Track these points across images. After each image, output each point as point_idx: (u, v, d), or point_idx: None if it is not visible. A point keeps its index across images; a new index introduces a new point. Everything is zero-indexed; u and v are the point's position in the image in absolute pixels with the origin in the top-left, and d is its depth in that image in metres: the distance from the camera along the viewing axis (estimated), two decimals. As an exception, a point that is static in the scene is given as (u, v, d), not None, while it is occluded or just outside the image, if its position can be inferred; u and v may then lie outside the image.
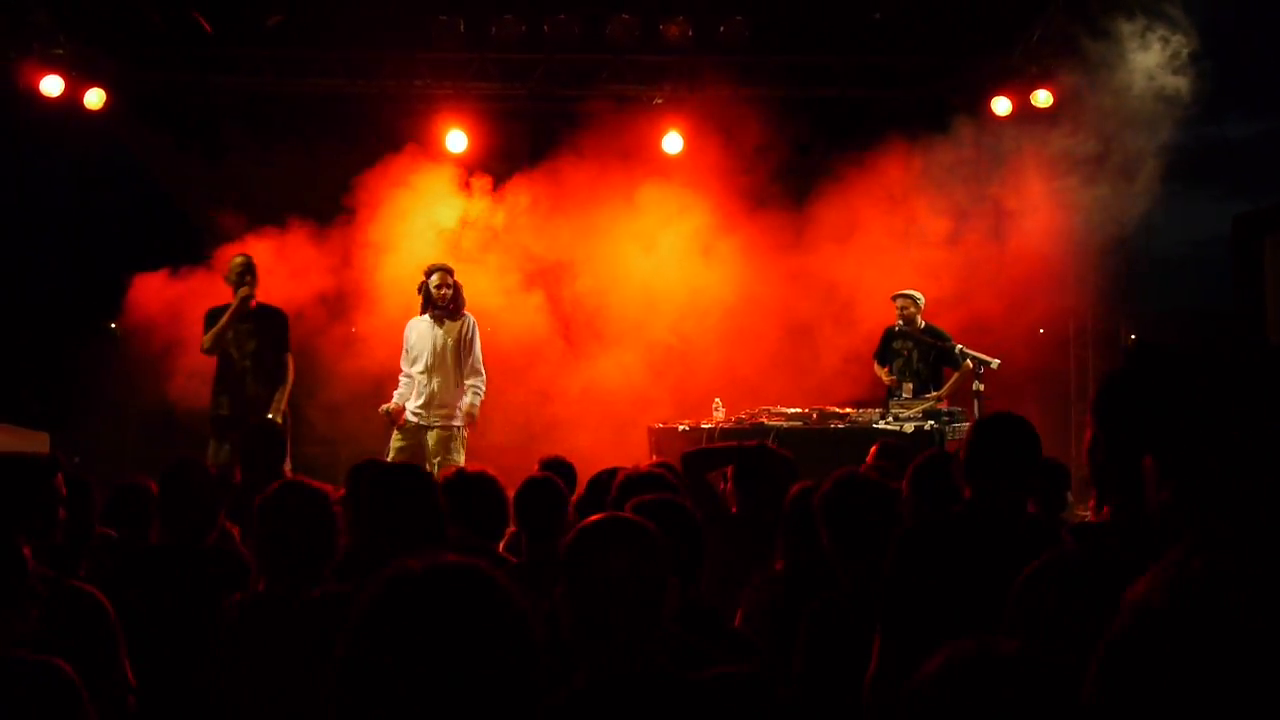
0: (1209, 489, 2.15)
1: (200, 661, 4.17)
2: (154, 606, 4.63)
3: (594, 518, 3.09)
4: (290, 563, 4.12)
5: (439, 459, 10.78)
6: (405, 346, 11.26)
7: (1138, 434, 2.72)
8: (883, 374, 12.23)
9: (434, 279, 11.15)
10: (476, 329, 11.31)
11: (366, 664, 1.85)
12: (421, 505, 4.31)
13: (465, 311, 11.30)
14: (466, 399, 11.08)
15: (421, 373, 11.07)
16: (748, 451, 5.99)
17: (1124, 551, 2.77)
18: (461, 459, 10.80)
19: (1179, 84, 12.10)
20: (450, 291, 11.14)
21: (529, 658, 1.91)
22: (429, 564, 1.93)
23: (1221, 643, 1.66)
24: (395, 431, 11.09)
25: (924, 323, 12.00)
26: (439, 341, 11.11)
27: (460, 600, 1.89)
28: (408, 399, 11.07)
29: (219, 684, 4.05)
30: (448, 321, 11.18)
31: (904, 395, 11.63)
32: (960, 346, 11.08)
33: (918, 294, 12.01)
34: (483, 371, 11.25)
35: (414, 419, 11.05)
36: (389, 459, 10.39)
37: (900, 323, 12.02)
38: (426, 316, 11.23)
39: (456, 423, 11.09)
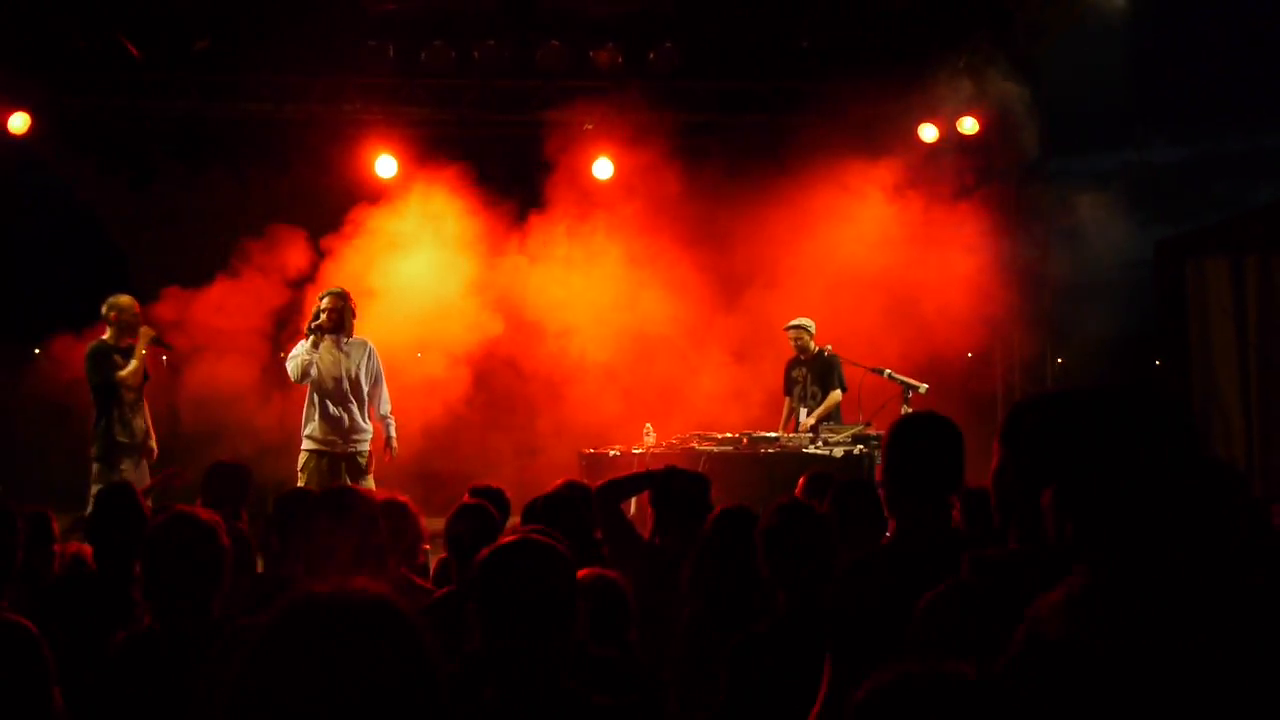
0: (1096, 522, 2.20)
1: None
2: (85, 639, 4.58)
3: (507, 538, 3.14)
4: (176, 596, 4.05)
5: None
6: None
7: (1042, 463, 2.76)
8: (783, 414, 12.43)
9: (324, 302, 10.69)
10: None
11: (256, 693, 1.81)
12: (346, 531, 4.27)
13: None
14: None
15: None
16: (656, 476, 5.97)
17: (1022, 582, 2.80)
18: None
19: (1103, 110, 12.28)
20: (337, 316, 10.61)
21: (428, 687, 1.89)
22: (327, 591, 1.90)
23: (1108, 671, 1.71)
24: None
25: (816, 348, 12.11)
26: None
27: (355, 628, 1.85)
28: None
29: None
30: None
31: (800, 419, 11.98)
32: (889, 371, 11.21)
33: (807, 322, 12.14)
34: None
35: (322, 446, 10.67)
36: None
37: (797, 353, 12.15)
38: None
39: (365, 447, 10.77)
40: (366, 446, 10.71)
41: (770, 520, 4.36)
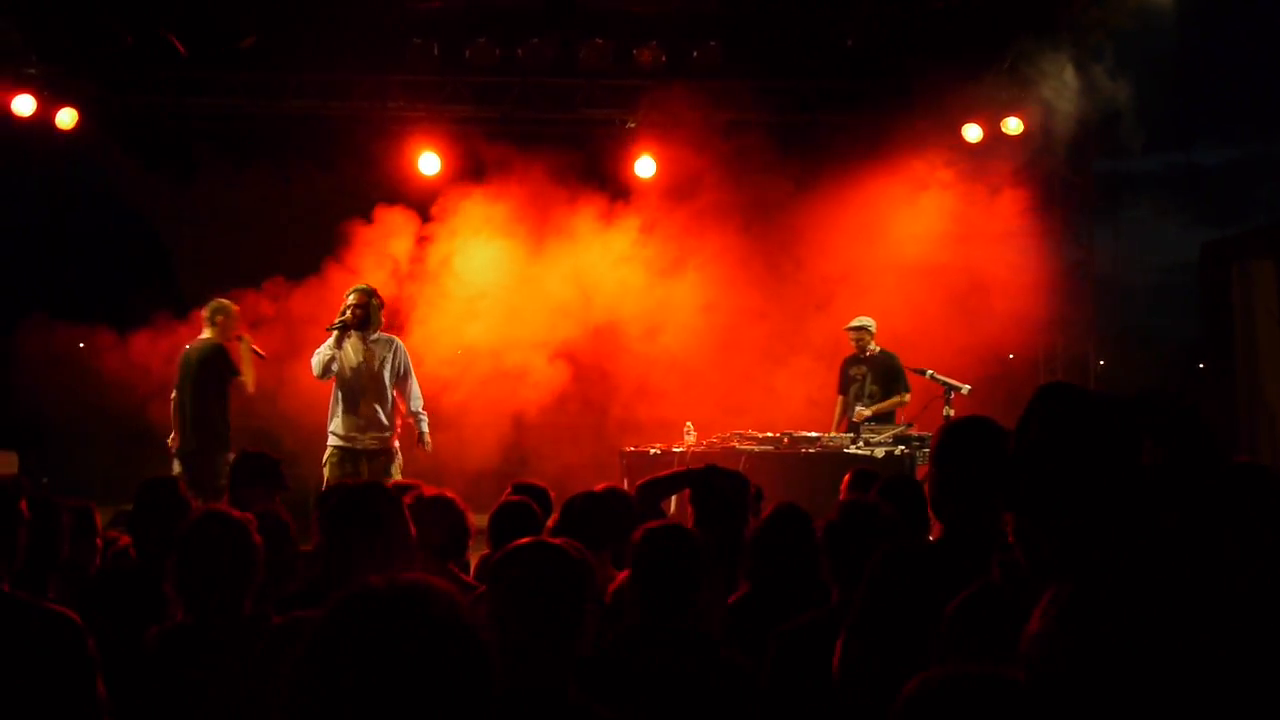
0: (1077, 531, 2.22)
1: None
2: (127, 629, 4.62)
3: (520, 541, 3.15)
4: (207, 592, 4.08)
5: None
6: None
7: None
8: (835, 413, 12.39)
9: (350, 298, 10.64)
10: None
11: (315, 684, 1.82)
12: (386, 527, 4.28)
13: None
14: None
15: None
16: (697, 474, 5.96)
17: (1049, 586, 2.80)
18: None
19: (1149, 112, 12.21)
20: (362, 312, 10.59)
21: (481, 677, 1.90)
22: (384, 583, 1.91)
23: (1112, 683, 1.73)
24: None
25: (878, 348, 12.07)
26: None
27: (413, 618, 1.87)
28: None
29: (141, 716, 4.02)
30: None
31: (855, 419, 11.90)
32: (931, 371, 11.14)
33: (869, 321, 12.09)
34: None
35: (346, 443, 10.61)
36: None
37: (857, 352, 12.12)
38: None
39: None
40: (390, 443, 10.63)
41: (836, 517, 4.36)
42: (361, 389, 10.48)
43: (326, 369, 10.38)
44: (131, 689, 4.02)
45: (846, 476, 6.67)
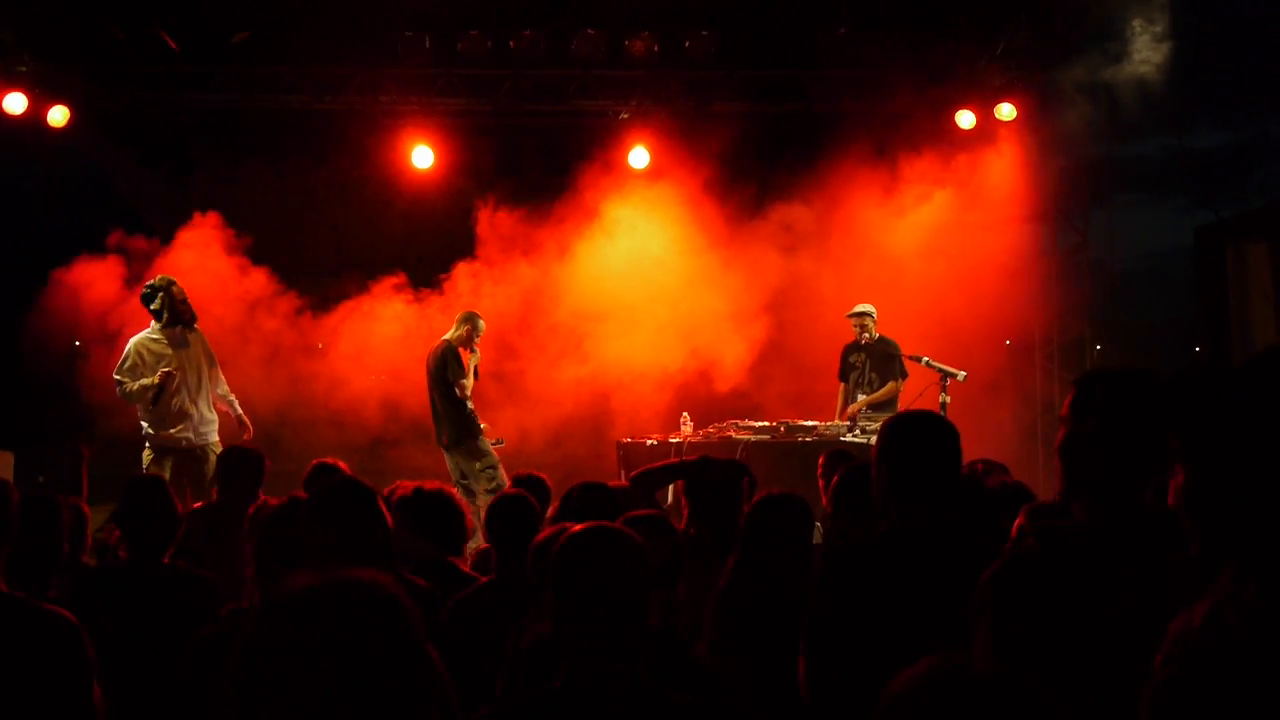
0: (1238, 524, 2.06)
1: (170, 684, 4.12)
2: (120, 629, 4.62)
3: (581, 526, 3.13)
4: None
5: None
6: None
7: (1113, 434, 2.82)
8: (838, 401, 12.40)
9: (177, 290, 10.51)
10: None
11: (250, 683, 1.89)
12: (359, 522, 4.26)
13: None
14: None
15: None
16: (691, 465, 5.96)
17: (1092, 552, 2.80)
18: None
19: (1143, 96, 12.20)
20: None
21: (417, 670, 1.94)
22: (312, 581, 1.97)
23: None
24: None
25: (877, 335, 12.08)
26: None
27: (342, 614, 1.93)
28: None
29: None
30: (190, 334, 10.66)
31: (850, 413, 11.98)
32: (927, 358, 11.14)
33: (870, 308, 12.11)
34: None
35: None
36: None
37: (862, 339, 12.12)
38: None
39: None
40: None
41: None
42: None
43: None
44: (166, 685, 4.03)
45: (821, 458, 6.65)
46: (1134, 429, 2.84)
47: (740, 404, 12.92)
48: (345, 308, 13.26)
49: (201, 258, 12.48)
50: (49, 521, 4.72)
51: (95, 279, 12.40)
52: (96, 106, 13.82)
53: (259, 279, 12.82)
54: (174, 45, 13.14)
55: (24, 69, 13.00)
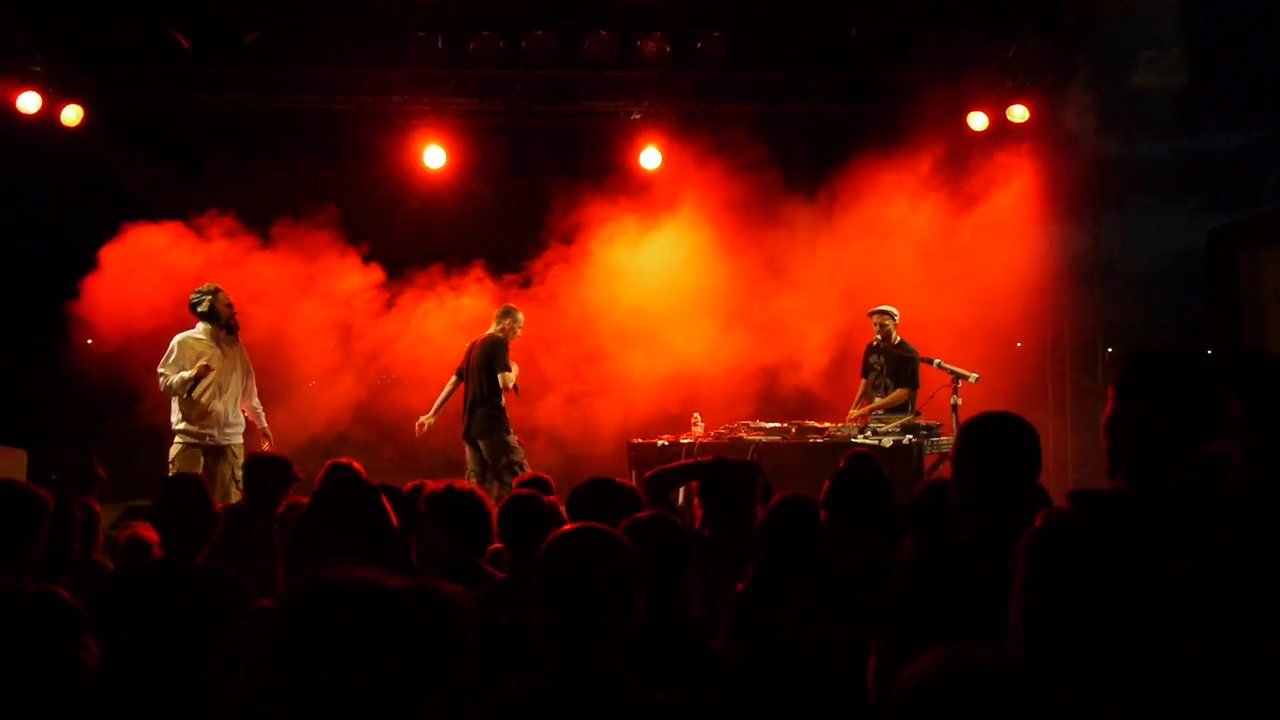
0: None
1: (204, 681, 4.11)
2: (154, 627, 4.62)
3: (570, 526, 3.16)
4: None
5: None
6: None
7: (1158, 413, 2.89)
8: (857, 395, 12.39)
9: (223, 297, 10.78)
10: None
11: (262, 679, 1.94)
12: (357, 519, 4.26)
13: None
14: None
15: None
16: (705, 466, 5.95)
17: (1132, 520, 2.81)
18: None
19: (1155, 99, 12.18)
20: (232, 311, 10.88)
21: (419, 669, 1.96)
22: (316, 581, 1.98)
23: None
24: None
25: (898, 338, 12.06)
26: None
27: (343, 615, 1.96)
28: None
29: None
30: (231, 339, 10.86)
31: (855, 421, 11.96)
32: (939, 360, 11.13)
33: (892, 309, 12.08)
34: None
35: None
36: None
37: (878, 338, 12.09)
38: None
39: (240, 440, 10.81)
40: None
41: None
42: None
43: None
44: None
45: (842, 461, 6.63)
46: (1178, 405, 2.90)
47: (755, 404, 12.93)
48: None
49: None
50: (60, 520, 4.72)
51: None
52: (109, 106, 13.84)
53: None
54: (186, 45, 13.15)
55: (37, 69, 13.03)
